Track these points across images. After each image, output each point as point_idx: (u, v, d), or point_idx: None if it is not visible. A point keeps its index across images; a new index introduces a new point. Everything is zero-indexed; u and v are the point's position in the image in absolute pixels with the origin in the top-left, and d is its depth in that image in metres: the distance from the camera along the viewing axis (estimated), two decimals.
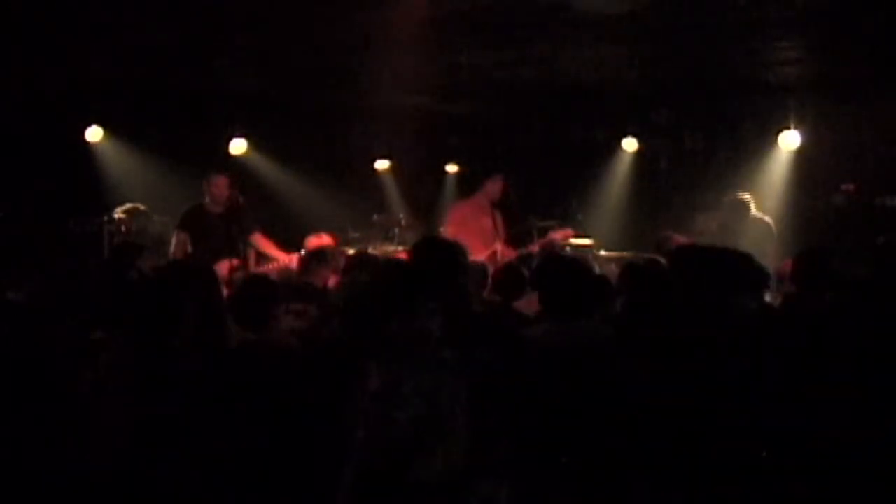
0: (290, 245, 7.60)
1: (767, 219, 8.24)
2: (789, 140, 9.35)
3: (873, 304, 4.09)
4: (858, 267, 5.01)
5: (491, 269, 5.90)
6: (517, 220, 8.50)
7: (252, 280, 4.76)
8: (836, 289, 4.67)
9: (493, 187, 8.02)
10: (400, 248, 8.37)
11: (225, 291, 5.30)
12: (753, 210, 8.24)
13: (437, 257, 3.66)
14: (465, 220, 7.97)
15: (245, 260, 7.46)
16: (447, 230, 7.94)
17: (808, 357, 3.44)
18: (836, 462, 3.06)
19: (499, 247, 7.90)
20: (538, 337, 3.66)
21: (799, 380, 3.33)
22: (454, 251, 3.80)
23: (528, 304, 4.98)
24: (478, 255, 7.42)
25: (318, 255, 6.04)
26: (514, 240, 8.31)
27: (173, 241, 7.41)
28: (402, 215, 9.60)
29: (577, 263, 4.21)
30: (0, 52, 7.62)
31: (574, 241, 8.56)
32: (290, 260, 7.19)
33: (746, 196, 8.33)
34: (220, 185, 7.47)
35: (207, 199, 7.50)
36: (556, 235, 8.18)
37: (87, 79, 8.64)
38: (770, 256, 7.60)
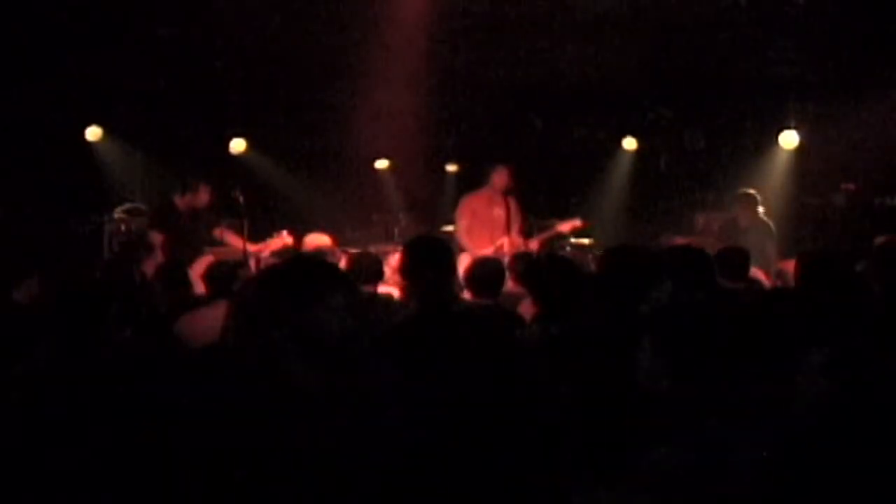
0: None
1: (767, 219, 8.24)
2: (789, 140, 9.35)
3: (873, 304, 4.08)
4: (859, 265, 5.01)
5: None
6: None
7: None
8: (839, 289, 4.66)
9: (500, 178, 7.88)
10: (399, 248, 8.30)
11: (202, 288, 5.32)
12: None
13: (431, 256, 3.62)
14: (476, 212, 7.83)
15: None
16: (461, 223, 7.81)
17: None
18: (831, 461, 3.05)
19: (506, 239, 7.75)
20: (525, 340, 3.62)
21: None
22: (448, 250, 3.77)
23: (528, 306, 4.90)
24: (485, 248, 7.37)
25: (315, 254, 5.99)
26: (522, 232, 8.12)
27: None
28: (401, 215, 9.57)
29: (570, 263, 4.15)
30: (0, 51, 7.63)
31: (574, 240, 8.52)
32: (281, 238, 7.20)
33: (753, 191, 8.31)
34: (204, 194, 7.45)
35: (179, 200, 7.42)
36: (564, 227, 8.09)
37: (86, 79, 8.64)
38: (770, 256, 7.61)
